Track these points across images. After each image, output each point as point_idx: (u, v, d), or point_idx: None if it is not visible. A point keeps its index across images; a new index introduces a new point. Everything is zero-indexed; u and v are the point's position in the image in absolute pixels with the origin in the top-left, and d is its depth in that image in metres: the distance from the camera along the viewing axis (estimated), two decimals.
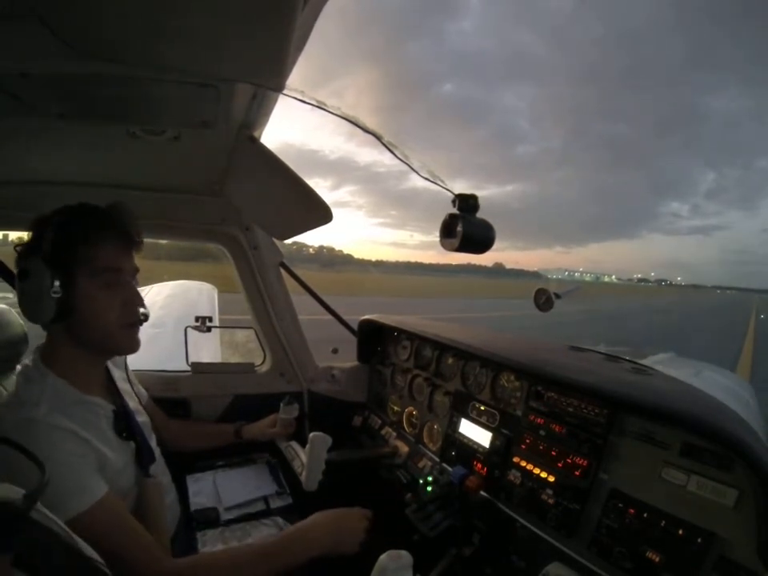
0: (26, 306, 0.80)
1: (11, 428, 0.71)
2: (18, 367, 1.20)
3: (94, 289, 0.82)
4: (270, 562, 0.86)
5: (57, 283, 0.77)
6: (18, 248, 0.83)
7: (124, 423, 0.93)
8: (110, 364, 1.01)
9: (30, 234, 0.83)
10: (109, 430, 0.88)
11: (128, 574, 0.72)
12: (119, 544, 0.73)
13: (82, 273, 0.81)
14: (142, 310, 0.90)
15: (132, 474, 0.91)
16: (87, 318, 0.82)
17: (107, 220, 0.85)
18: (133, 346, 0.90)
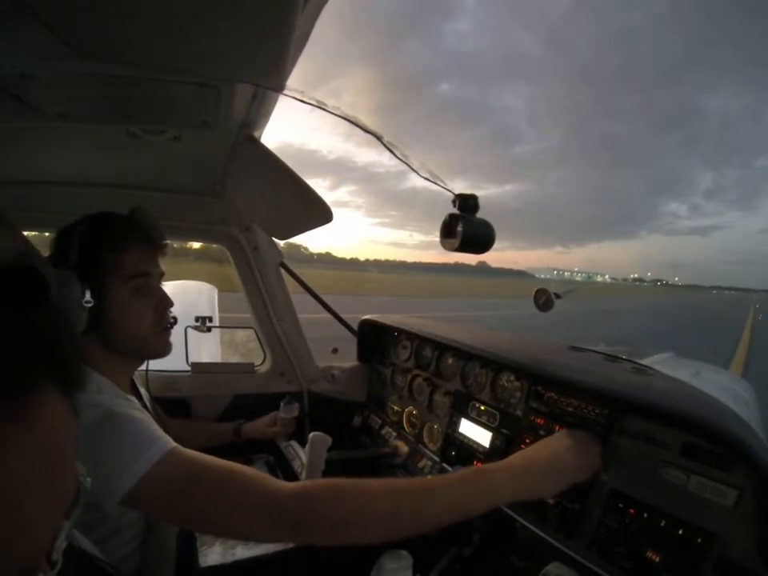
0: None
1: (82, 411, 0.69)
2: None
3: (125, 295, 0.81)
4: (423, 498, 0.66)
5: (87, 293, 0.76)
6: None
7: None
8: None
9: (54, 245, 0.82)
10: None
11: (236, 507, 0.63)
12: (214, 479, 0.65)
13: (112, 280, 0.80)
14: (171, 313, 0.90)
15: None
16: (121, 326, 0.81)
17: (131, 225, 0.85)
18: (166, 349, 0.90)
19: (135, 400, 0.89)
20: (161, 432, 0.72)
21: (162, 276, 0.90)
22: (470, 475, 0.71)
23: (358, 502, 0.65)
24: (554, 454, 0.77)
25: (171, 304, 0.89)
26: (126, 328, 0.82)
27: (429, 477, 0.91)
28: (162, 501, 0.65)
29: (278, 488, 0.65)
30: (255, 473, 0.68)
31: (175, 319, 0.91)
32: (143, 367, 1.21)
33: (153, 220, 0.87)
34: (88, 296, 0.77)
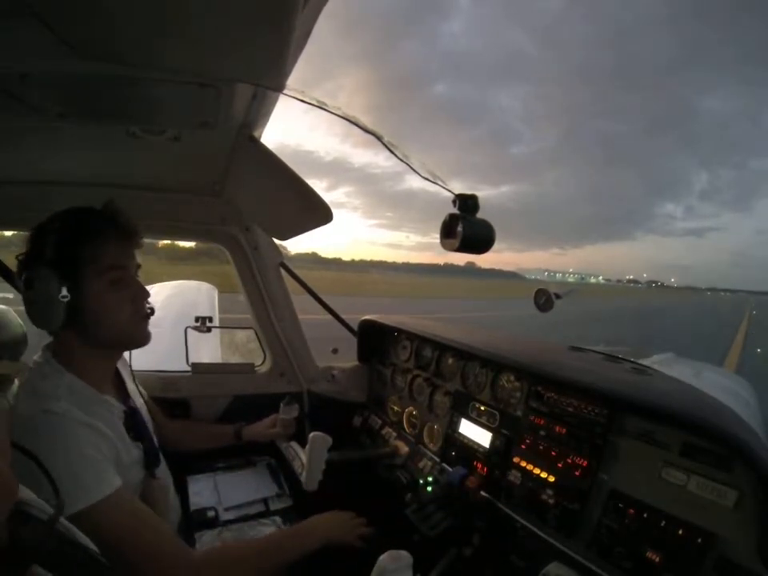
0: (35, 314, 0.79)
1: (30, 419, 0.71)
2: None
3: (101, 288, 0.83)
4: (276, 552, 0.92)
5: (64, 288, 0.78)
6: (20, 257, 0.82)
7: (133, 424, 0.94)
8: (118, 364, 1.02)
9: (30, 243, 0.82)
10: (122, 429, 0.88)
11: (145, 562, 0.74)
12: (134, 533, 0.74)
13: (89, 274, 0.81)
14: (149, 304, 0.93)
15: (138, 475, 0.91)
16: (99, 318, 0.83)
17: (106, 219, 0.86)
18: (145, 338, 0.92)
19: (114, 402, 0.90)
20: (104, 473, 0.75)
21: (138, 268, 0.92)
22: (293, 529, 1.04)
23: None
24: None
25: (148, 295, 0.91)
26: (105, 320, 0.84)
27: (274, 532, 1.14)
28: (90, 534, 0.62)
29: (182, 555, 0.80)
30: (170, 535, 0.82)
31: (152, 310, 0.94)
32: (140, 366, 1.22)
33: (126, 213, 0.88)
34: (64, 291, 0.77)
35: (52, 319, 0.78)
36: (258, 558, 0.89)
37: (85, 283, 0.80)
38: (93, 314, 0.82)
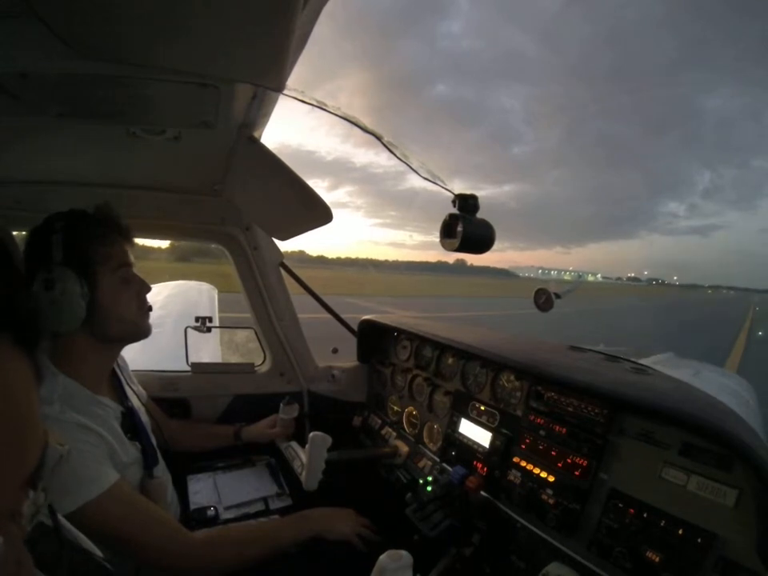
0: (56, 315, 0.79)
1: None
2: None
3: (115, 285, 0.87)
4: (274, 536, 0.98)
5: (85, 286, 0.81)
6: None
7: (131, 424, 0.95)
8: (117, 366, 1.03)
9: (31, 245, 0.84)
10: (118, 429, 0.89)
11: (149, 549, 0.78)
12: (136, 523, 0.77)
13: (103, 272, 0.85)
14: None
15: (136, 473, 0.92)
16: (114, 313, 0.87)
17: (109, 220, 0.89)
18: (148, 330, 0.97)
19: (110, 402, 0.91)
20: (101, 467, 0.77)
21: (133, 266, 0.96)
22: (291, 517, 1.07)
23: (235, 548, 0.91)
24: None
25: (149, 289, 0.96)
26: (118, 315, 0.88)
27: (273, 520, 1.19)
28: (91, 529, 0.63)
29: (183, 538, 0.84)
30: (169, 521, 0.86)
31: (150, 306, 0.98)
32: (140, 366, 1.22)
33: (119, 214, 0.92)
34: (86, 290, 0.81)
35: (74, 319, 0.80)
36: (257, 541, 0.94)
37: (99, 281, 0.84)
38: (107, 310, 0.85)
